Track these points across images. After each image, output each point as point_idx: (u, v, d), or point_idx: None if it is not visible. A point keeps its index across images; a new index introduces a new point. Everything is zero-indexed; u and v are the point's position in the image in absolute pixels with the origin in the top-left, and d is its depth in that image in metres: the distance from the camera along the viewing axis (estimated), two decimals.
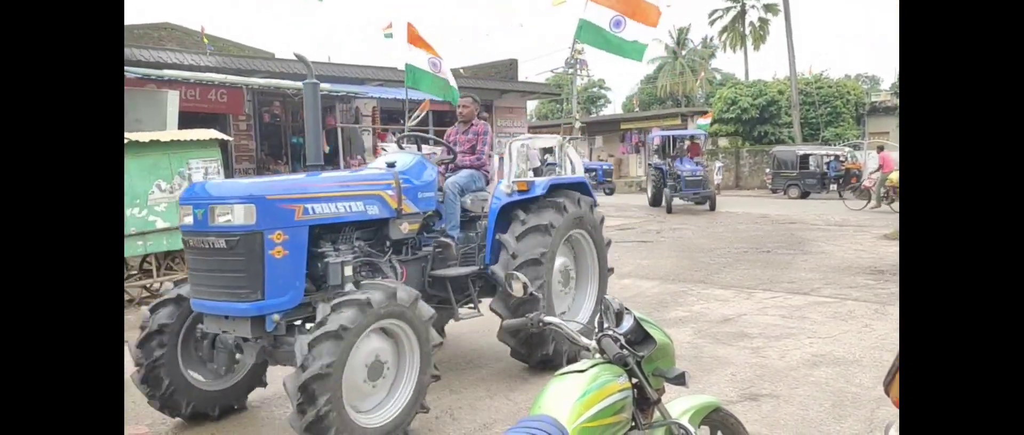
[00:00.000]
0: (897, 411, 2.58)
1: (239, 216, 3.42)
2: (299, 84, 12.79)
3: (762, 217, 16.27)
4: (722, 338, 5.66)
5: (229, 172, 13.41)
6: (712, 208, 17.92)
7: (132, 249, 7.18)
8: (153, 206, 7.35)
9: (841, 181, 22.56)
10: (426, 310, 3.76)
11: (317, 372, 3.17)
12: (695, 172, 18.14)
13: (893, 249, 10.55)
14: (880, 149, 19.69)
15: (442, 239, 4.68)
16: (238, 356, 3.88)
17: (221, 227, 3.45)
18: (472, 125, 5.43)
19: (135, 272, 7.63)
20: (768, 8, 40.54)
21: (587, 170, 27.14)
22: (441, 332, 5.39)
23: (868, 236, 12.17)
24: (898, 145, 26.56)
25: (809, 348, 5.30)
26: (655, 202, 19.10)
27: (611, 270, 5.53)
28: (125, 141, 6.98)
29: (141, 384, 3.81)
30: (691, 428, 2.32)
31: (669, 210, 17.83)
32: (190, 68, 12.48)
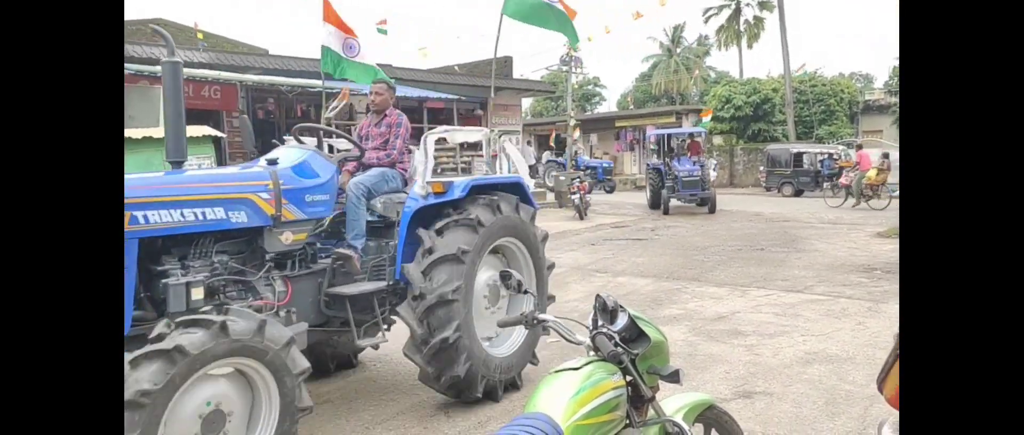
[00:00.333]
0: (890, 408, 2.60)
1: None
2: (294, 81, 12.80)
3: (756, 215, 16.32)
4: (716, 336, 5.67)
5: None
6: (712, 210, 16.82)
7: None
8: None
9: (834, 179, 22.67)
10: (300, 362, 3.08)
11: (133, 398, 2.52)
12: (693, 172, 17.06)
13: (887, 247, 10.60)
14: (859, 147, 20.03)
15: (340, 250, 3.98)
16: None
17: None
18: (385, 116, 4.73)
19: None
20: (763, 5, 40.59)
21: (587, 168, 27.22)
22: (350, 361, 4.97)
23: (862, 234, 12.22)
24: (892, 143, 26.70)
25: (803, 346, 5.32)
26: (654, 204, 18.04)
27: (552, 298, 4.93)
28: None
29: None
30: (685, 426, 2.33)
31: (666, 212, 16.91)
32: (183, 64, 12.42)
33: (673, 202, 17.22)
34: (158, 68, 11.49)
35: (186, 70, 11.74)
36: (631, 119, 35.84)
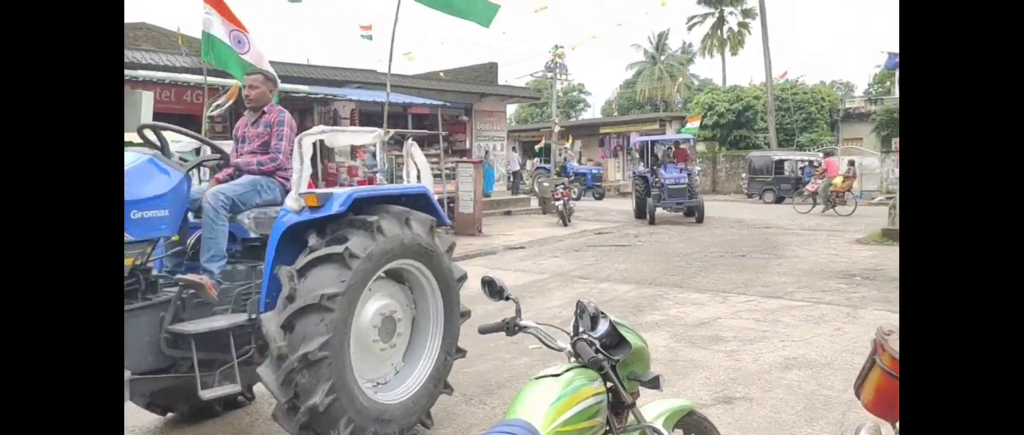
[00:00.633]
0: (867, 414, 2.64)
1: None
2: (280, 86, 12.74)
3: (738, 221, 16.46)
4: (697, 342, 5.72)
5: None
6: (700, 220, 16.22)
7: None
8: None
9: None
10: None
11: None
12: (679, 180, 16.38)
13: (865, 253, 10.74)
14: (827, 155, 20.56)
15: (187, 276, 3.33)
16: None
17: None
18: (264, 113, 3.97)
19: None
20: (746, 13, 41.06)
21: (576, 174, 27.21)
22: (243, 398, 4.18)
23: (841, 240, 12.37)
24: (873, 151, 27.06)
25: (782, 351, 5.38)
26: (640, 213, 17.33)
27: (466, 313, 4.16)
28: None
29: None
30: (665, 432, 2.35)
31: (651, 221, 16.27)
32: (165, 69, 12.32)
33: (659, 211, 16.66)
34: (140, 73, 11.40)
35: (169, 75, 11.65)
36: (615, 126, 36.02)
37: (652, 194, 16.70)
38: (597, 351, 2.16)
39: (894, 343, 2.47)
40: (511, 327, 2.33)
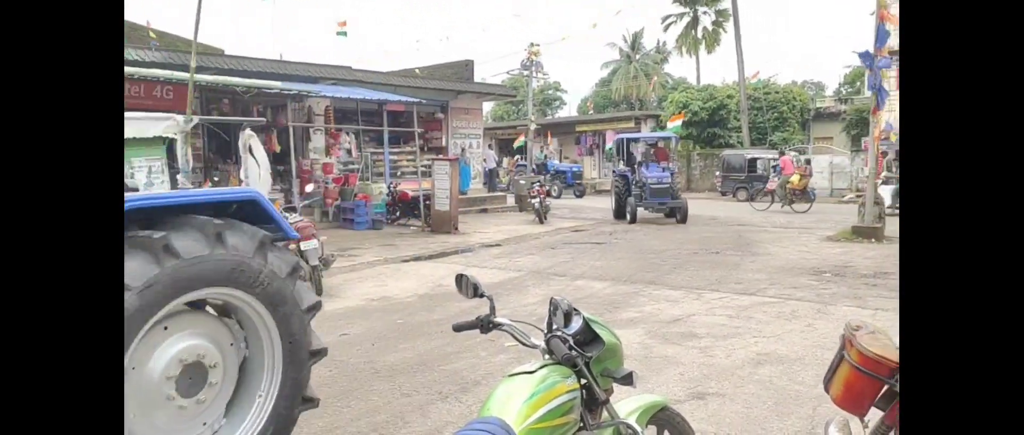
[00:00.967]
0: (837, 408, 2.69)
1: None
2: (250, 82, 12.55)
3: (712, 219, 16.64)
4: (671, 338, 5.77)
5: (174, 171, 13.03)
6: (682, 220, 15.60)
7: None
8: None
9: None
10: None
11: None
12: (661, 179, 15.79)
13: (835, 250, 10.93)
14: (781, 154, 21.26)
15: None
16: None
17: None
18: None
19: None
20: (720, 14, 41.49)
21: (557, 172, 27.14)
22: None
23: (812, 238, 12.57)
24: (843, 150, 27.52)
25: (754, 347, 5.45)
26: (619, 214, 16.66)
27: (321, 352, 3.36)
28: None
29: None
30: (638, 428, 2.36)
31: (632, 220, 15.79)
32: (134, 64, 12.08)
33: (640, 211, 16.07)
34: (136, 71, 11.14)
35: (138, 70, 11.42)
36: (591, 124, 36.19)
37: (633, 193, 16.18)
38: (571, 348, 2.17)
39: (862, 338, 2.52)
40: (485, 324, 2.32)
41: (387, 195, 15.25)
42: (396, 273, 9.43)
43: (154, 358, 2.77)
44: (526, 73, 26.50)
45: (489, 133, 35.12)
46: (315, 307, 3.30)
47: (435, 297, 7.67)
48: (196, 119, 3.44)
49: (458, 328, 2.40)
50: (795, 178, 19.17)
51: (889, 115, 22.24)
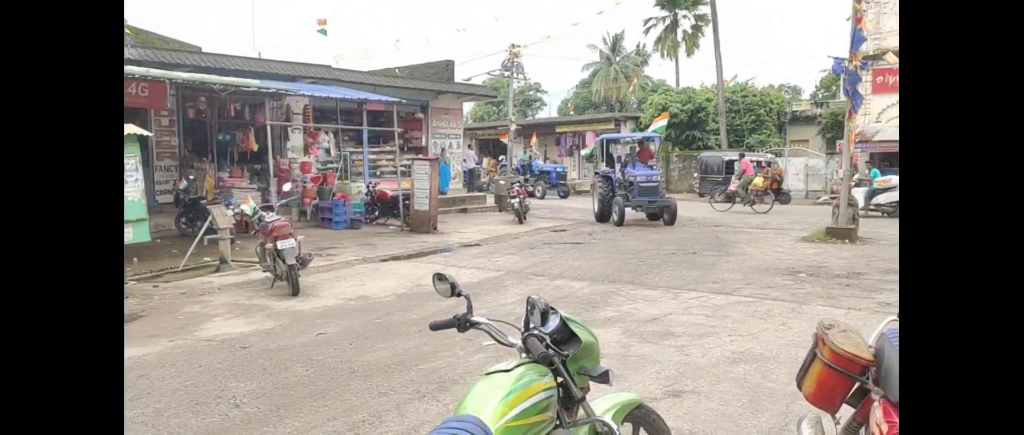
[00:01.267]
0: (809, 405, 2.73)
1: None
2: (228, 80, 12.41)
3: (690, 220, 16.77)
4: (648, 337, 5.81)
5: (148, 169, 12.84)
6: (671, 221, 15.06)
7: None
8: None
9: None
10: None
11: None
12: (651, 177, 15.10)
13: (810, 251, 11.09)
14: (741, 156, 21.97)
15: None
16: None
17: None
18: None
19: None
20: (699, 18, 41.88)
21: (543, 172, 27.00)
22: None
23: (787, 239, 12.74)
24: (818, 152, 27.90)
25: (730, 346, 5.51)
26: (603, 217, 15.86)
27: None
28: None
29: None
30: (614, 425, 2.39)
31: (620, 222, 15.04)
32: None
33: (628, 212, 15.29)
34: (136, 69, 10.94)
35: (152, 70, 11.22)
36: (571, 125, 36.30)
37: (618, 193, 15.44)
38: (547, 346, 2.18)
39: (834, 337, 2.56)
40: (462, 323, 2.33)
41: (366, 194, 15.16)
42: (374, 273, 9.38)
43: None
44: (507, 74, 26.53)
45: (469, 133, 35.09)
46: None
47: (413, 297, 7.65)
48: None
49: (435, 327, 2.40)
50: (759, 180, 19.99)
51: (864, 119, 22.67)
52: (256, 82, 13.02)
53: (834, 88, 36.57)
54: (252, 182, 14.25)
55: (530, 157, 28.85)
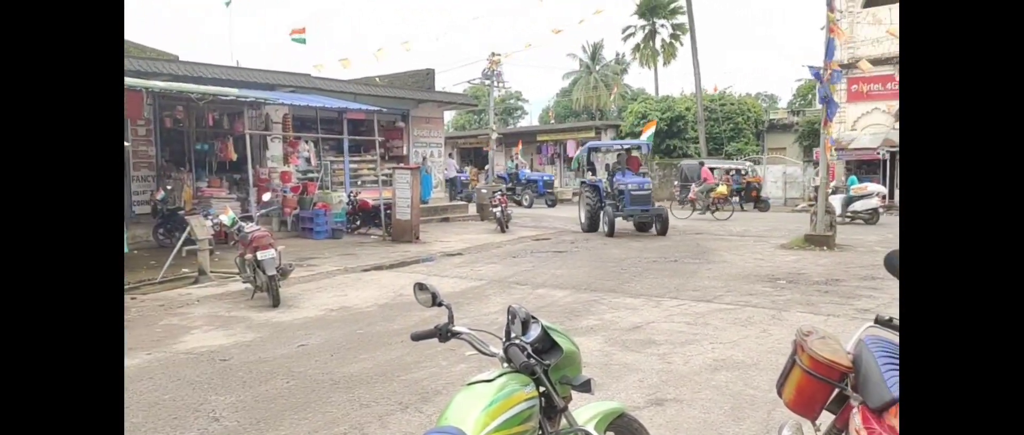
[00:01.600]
0: (789, 412, 2.75)
1: None
2: (205, 88, 12.30)
3: (671, 228, 16.88)
4: (631, 345, 5.83)
5: (125, 180, 12.66)
6: (663, 232, 14.61)
7: None
8: None
9: (742, 193, 24.00)
10: None
11: None
12: (643, 185, 14.57)
13: (789, 258, 11.21)
14: (701, 164, 22.75)
15: None
16: None
17: None
18: None
19: None
20: (677, 27, 42.34)
21: (529, 181, 26.90)
22: None
23: (767, 246, 12.87)
24: (796, 160, 28.24)
25: (711, 353, 5.54)
26: (591, 227, 15.36)
27: None
28: None
29: None
30: (596, 434, 2.39)
31: (611, 233, 14.42)
32: None
33: (618, 222, 14.73)
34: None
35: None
36: (552, 133, 36.46)
37: (607, 203, 14.87)
38: (529, 356, 2.18)
39: (813, 344, 2.59)
40: (443, 333, 2.32)
41: (347, 204, 15.08)
42: (356, 283, 9.32)
43: None
44: (487, 82, 26.57)
45: (450, 142, 35.08)
46: None
47: (396, 307, 7.60)
48: None
49: (416, 337, 2.39)
50: (722, 188, 20.91)
51: (839, 126, 23.03)
52: (234, 91, 12.92)
53: (810, 96, 37.15)
54: (231, 192, 14.11)
55: (517, 166, 28.84)
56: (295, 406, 4.45)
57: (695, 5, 33.86)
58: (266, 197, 12.45)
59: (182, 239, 9.87)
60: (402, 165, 16.31)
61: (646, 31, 43.83)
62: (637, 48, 44.39)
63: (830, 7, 13.06)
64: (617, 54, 52.31)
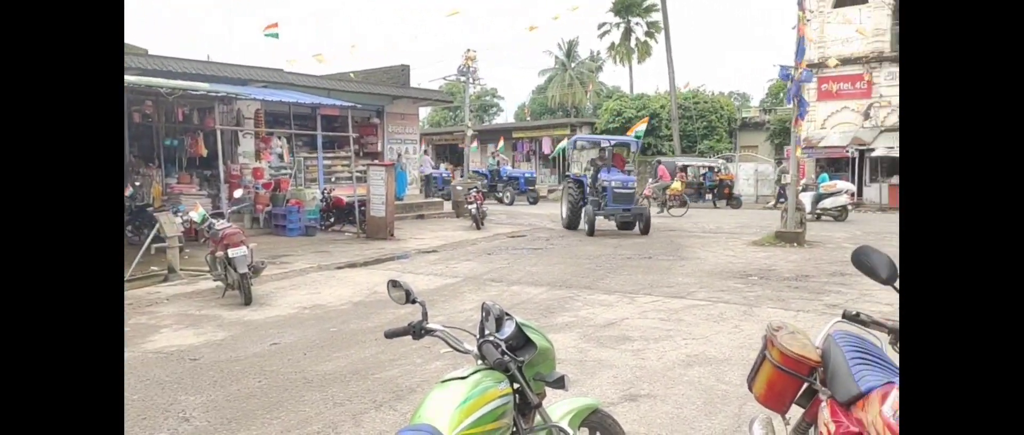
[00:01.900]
0: (760, 407, 2.79)
1: None
2: (175, 83, 12.07)
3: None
4: (605, 342, 5.86)
5: None
6: (646, 231, 14.32)
7: None
8: None
9: (715, 191, 24.32)
10: None
11: None
12: (626, 183, 14.25)
13: (760, 254, 11.37)
14: (659, 163, 23.25)
15: None
16: None
17: None
18: None
19: None
20: (652, 25, 42.65)
21: (510, 178, 26.84)
22: None
23: (739, 243, 13.04)
24: (767, 158, 28.64)
25: (684, 349, 5.60)
26: (572, 223, 15.09)
27: None
28: None
29: None
30: (570, 431, 2.40)
31: (591, 232, 13.96)
32: None
33: (600, 221, 14.37)
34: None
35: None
36: (528, 130, 36.50)
37: (590, 200, 14.46)
38: (503, 353, 2.18)
39: (783, 339, 2.63)
40: (417, 330, 2.31)
41: (321, 201, 14.93)
42: (330, 280, 9.24)
43: None
44: (463, 79, 26.51)
45: (426, 138, 34.93)
46: None
47: (370, 304, 7.55)
48: None
49: (389, 335, 2.37)
50: (676, 184, 21.40)
51: (809, 125, 23.42)
52: (205, 85, 12.70)
53: (782, 95, 37.65)
54: (202, 188, 13.87)
55: (498, 163, 28.78)
56: (267, 405, 4.40)
57: (670, 4, 34.16)
58: (238, 194, 12.25)
59: (151, 236, 9.68)
60: (377, 161, 16.19)
61: (621, 29, 44.09)
62: (613, 46, 44.63)
63: (801, 7, 13.26)
64: (592, 52, 52.63)
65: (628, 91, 42.39)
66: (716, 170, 25.68)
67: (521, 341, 2.29)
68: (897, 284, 2.48)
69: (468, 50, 25.62)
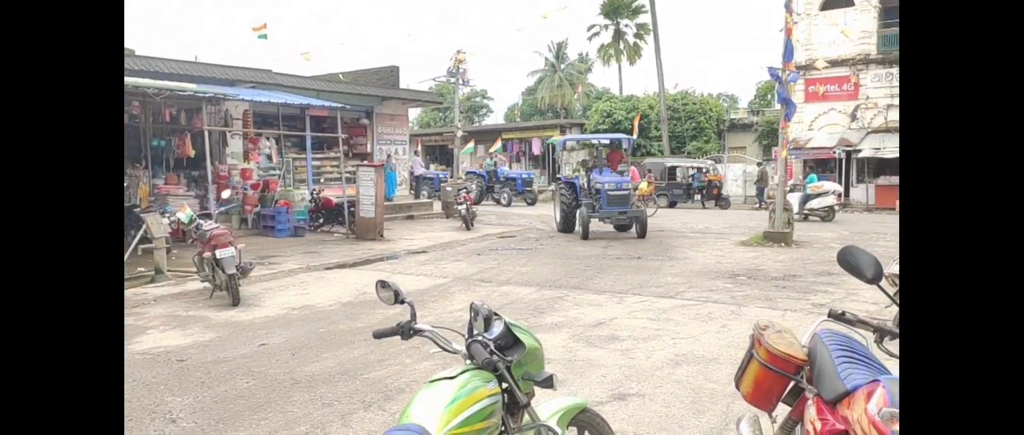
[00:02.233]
0: (748, 405, 2.81)
1: None
2: (162, 83, 11.98)
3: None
4: (594, 341, 5.88)
5: None
6: (642, 234, 13.77)
7: None
8: None
9: (704, 191, 24.46)
10: None
11: None
12: (620, 185, 13.62)
13: (748, 255, 11.44)
14: (630, 164, 23.35)
15: None
16: None
17: None
18: None
19: None
20: (641, 27, 42.79)
21: (508, 179, 26.80)
22: None
23: (727, 243, 13.11)
24: (754, 158, 28.80)
25: (673, 348, 5.63)
26: (566, 227, 14.54)
27: None
28: None
29: None
30: (559, 430, 2.40)
31: (585, 236, 13.55)
32: None
33: (594, 224, 13.95)
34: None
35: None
36: (517, 131, 36.53)
37: (584, 203, 13.96)
38: (492, 352, 2.18)
39: (769, 337, 2.65)
40: (405, 331, 2.31)
41: (310, 201, 14.86)
42: (319, 281, 9.20)
43: None
44: (452, 80, 26.49)
45: (416, 139, 34.87)
46: None
47: (359, 305, 7.53)
48: None
49: (378, 335, 2.37)
50: (644, 185, 21.08)
51: (797, 126, 23.58)
52: (192, 86, 12.62)
53: (770, 97, 37.92)
54: (189, 189, 13.77)
55: (495, 163, 28.71)
56: (255, 406, 4.38)
57: (658, 6, 34.28)
58: (226, 194, 12.17)
59: (138, 237, 9.61)
60: (366, 162, 16.14)
61: (611, 31, 44.20)
62: (602, 48, 44.73)
63: (788, 9, 13.35)
64: (581, 54, 52.67)
65: (618, 92, 42.51)
66: (705, 171, 25.79)
67: (510, 341, 2.30)
68: (882, 283, 2.52)
69: (458, 51, 25.60)
